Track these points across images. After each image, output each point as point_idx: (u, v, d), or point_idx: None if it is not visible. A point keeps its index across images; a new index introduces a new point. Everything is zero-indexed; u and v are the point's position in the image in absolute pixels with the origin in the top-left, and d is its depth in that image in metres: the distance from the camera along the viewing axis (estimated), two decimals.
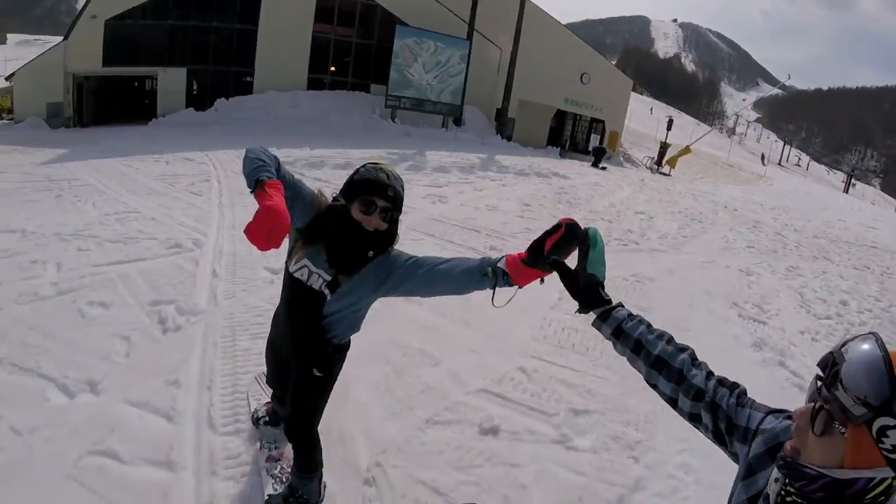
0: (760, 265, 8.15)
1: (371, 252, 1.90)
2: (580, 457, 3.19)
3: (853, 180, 61.12)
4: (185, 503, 2.47)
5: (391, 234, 1.96)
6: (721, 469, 2.92)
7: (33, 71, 19.40)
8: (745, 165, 34.17)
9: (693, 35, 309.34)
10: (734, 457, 1.25)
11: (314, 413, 2.27)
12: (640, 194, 13.33)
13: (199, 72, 20.55)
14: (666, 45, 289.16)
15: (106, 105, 20.79)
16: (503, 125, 22.85)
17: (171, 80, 19.91)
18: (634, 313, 1.50)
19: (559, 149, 24.07)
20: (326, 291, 1.95)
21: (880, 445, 0.86)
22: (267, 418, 2.83)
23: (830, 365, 0.92)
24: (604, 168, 19.16)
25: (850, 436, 0.90)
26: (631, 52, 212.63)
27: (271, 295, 4.52)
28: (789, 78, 47.44)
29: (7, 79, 21.72)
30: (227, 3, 20.08)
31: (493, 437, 3.23)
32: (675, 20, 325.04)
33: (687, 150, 24.76)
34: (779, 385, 4.52)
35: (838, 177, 70.57)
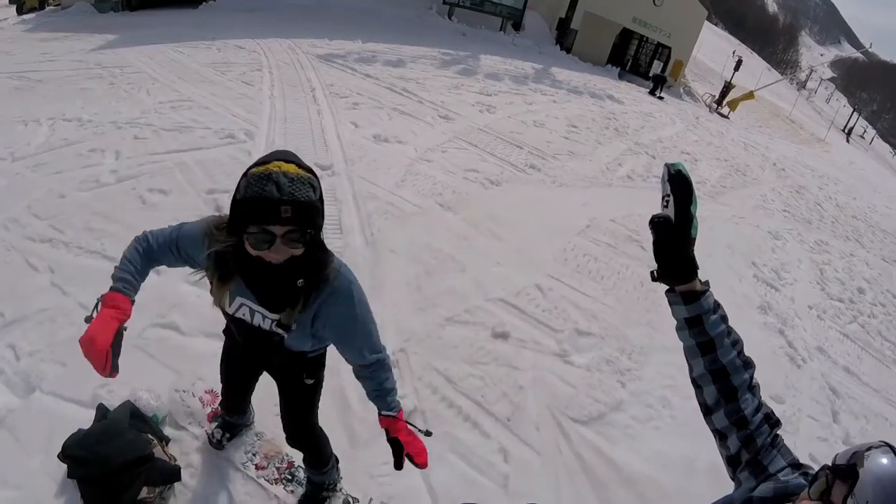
0: (791, 232, 8.18)
1: (300, 281, 1.48)
2: (574, 371, 3.65)
3: None
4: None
5: (315, 259, 1.48)
6: (698, 412, 3.36)
7: None
8: (806, 124, 32.56)
9: None
10: (735, 480, 1.24)
11: (313, 415, 2.10)
12: (690, 133, 13.06)
13: None
14: None
15: None
16: (564, 36, 21.92)
17: None
18: (718, 303, 1.29)
19: (619, 69, 23.15)
20: (280, 331, 1.59)
21: None
22: (228, 435, 2.51)
23: (846, 469, 0.91)
24: (661, 97, 18.55)
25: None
26: None
27: None
28: (871, 46, 43.87)
29: None
30: None
31: (502, 342, 3.68)
32: None
33: (751, 94, 23.60)
34: (771, 351, 4.82)
35: None
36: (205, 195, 4.53)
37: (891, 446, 0.91)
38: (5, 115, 6.01)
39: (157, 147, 5.34)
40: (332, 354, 1.86)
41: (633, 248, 5.60)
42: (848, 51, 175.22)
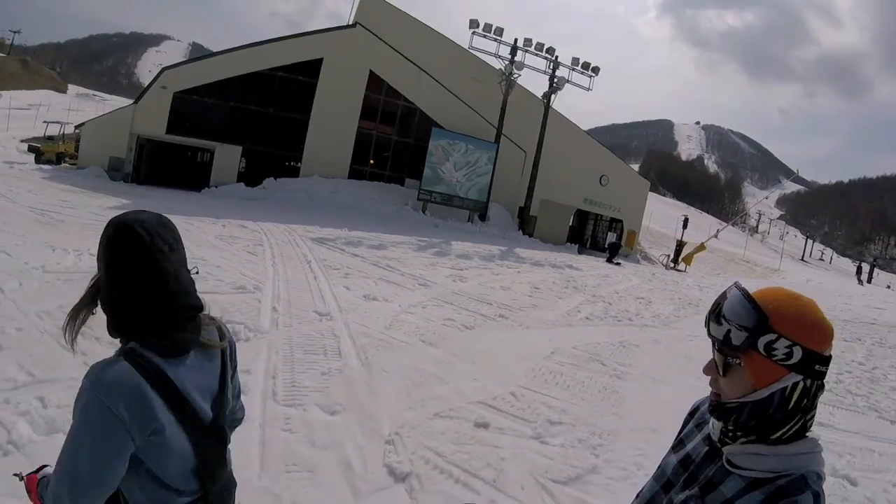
0: None
1: None
2: (550, 448, 4.17)
3: (877, 269, 60.58)
4: (253, 442, 3.48)
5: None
6: None
7: (101, 125, 21.61)
8: (760, 261, 35.00)
9: (716, 136, 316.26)
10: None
11: None
12: (646, 285, 14.32)
13: (252, 151, 22.85)
14: (689, 147, 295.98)
15: (161, 168, 22.89)
16: (525, 222, 24.49)
17: (226, 155, 22.19)
18: None
19: (578, 246, 25.44)
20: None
21: (774, 359, 0.98)
22: None
23: (714, 317, 1.05)
24: (618, 263, 20.24)
25: (745, 363, 1.02)
26: (655, 155, 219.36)
27: (320, 329, 5.75)
28: (798, 171, 48.85)
29: (77, 127, 24.07)
30: (283, 93, 22.71)
31: (483, 430, 4.24)
32: (697, 122, 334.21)
33: (702, 246, 25.88)
34: None
35: (863, 267, 70.20)
36: None
37: (734, 283, 1.10)
38: (34, 240, 7.09)
39: None
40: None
41: (594, 365, 6.37)
42: (789, 186, 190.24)
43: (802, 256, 61.51)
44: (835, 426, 5.70)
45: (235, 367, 1.46)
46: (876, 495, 4.42)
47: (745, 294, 1.05)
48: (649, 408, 5.35)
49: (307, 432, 3.72)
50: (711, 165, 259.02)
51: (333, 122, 22.88)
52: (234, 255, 8.60)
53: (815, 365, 0.99)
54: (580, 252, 23.46)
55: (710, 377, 1.12)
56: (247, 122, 22.62)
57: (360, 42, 23.00)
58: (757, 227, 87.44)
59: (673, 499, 1.16)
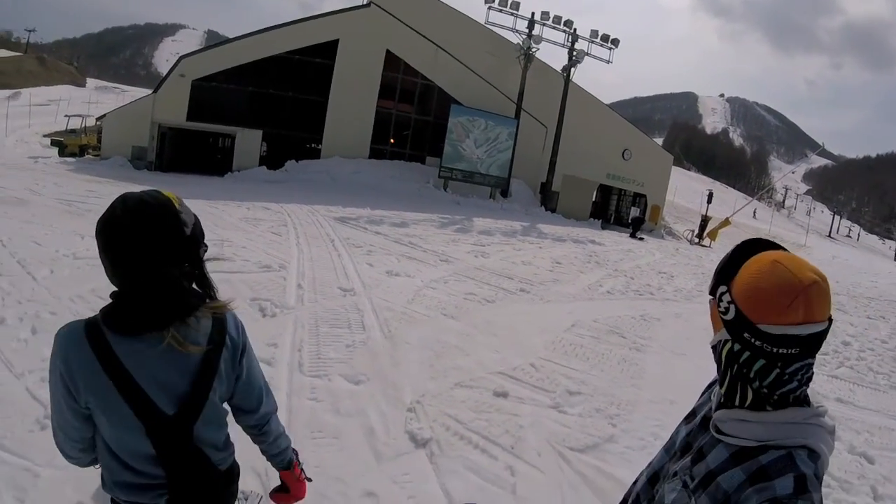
0: None
1: None
2: (568, 417, 4.26)
3: None
4: (280, 409, 3.65)
5: None
6: None
7: (122, 116, 21.99)
8: (786, 237, 34.44)
9: (741, 109, 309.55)
10: None
11: None
12: (669, 259, 14.25)
13: (273, 134, 23.09)
14: (714, 119, 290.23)
15: (183, 155, 23.31)
16: (548, 198, 24.35)
17: (247, 140, 22.44)
18: None
19: (601, 221, 25.26)
20: None
21: (719, 310, 1.00)
22: None
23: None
24: (641, 238, 20.07)
25: (711, 305, 1.05)
26: (679, 128, 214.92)
27: (343, 305, 5.89)
28: (824, 144, 47.87)
29: (98, 119, 24.63)
30: (301, 76, 22.81)
31: (503, 399, 4.35)
32: (721, 95, 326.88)
33: (727, 222, 25.49)
34: None
35: (891, 246, 68.70)
36: (249, 301, 5.51)
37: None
38: (62, 229, 7.36)
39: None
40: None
41: (614, 338, 6.42)
42: (816, 160, 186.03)
43: (829, 233, 60.26)
44: (854, 403, 5.69)
45: (241, 372, 1.43)
46: (892, 474, 4.42)
47: (741, 244, 1.06)
48: (668, 380, 5.39)
49: (332, 401, 3.87)
50: (737, 139, 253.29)
51: (352, 102, 22.92)
52: (259, 237, 8.78)
53: (743, 332, 0.95)
54: (603, 227, 23.32)
55: None
56: (266, 106, 22.77)
57: (375, 21, 22.89)
58: (783, 202, 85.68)
59: (670, 469, 1.15)
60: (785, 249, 1.03)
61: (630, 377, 5.33)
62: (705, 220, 25.88)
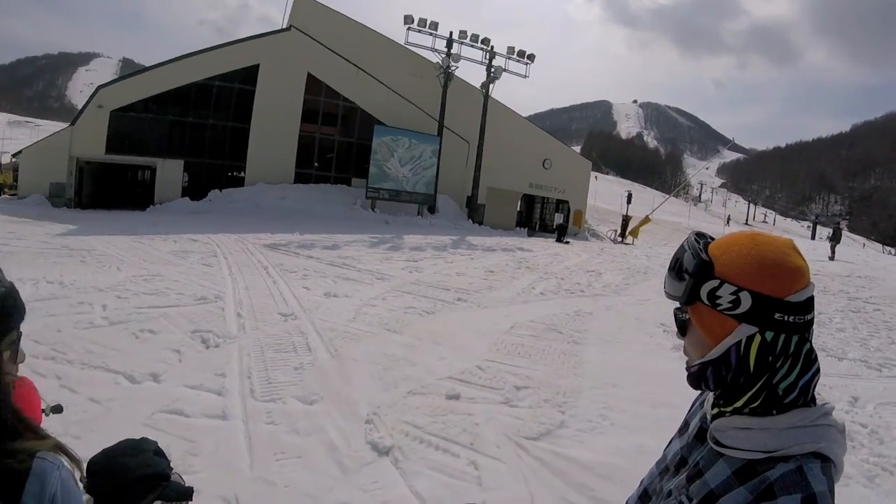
0: None
1: None
2: (520, 410, 4.45)
3: (819, 226, 64.83)
4: (239, 436, 3.62)
5: None
6: (635, 419, 4.26)
7: (39, 152, 20.81)
8: (705, 228, 36.25)
9: (654, 113, 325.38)
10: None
11: None
12: (595, 259, 14.91)
13: (195, 164, 22.34)
14: (629, 125, 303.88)
15: (104, 190, 22.18)
16: (474, 211, 24.86)
17: (168, 171, 21.59)
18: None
19: (527, 229, 26.03)
20: None
21: (719, 309, 0.86)
22: None
23: (669, 271, 0.94)
24: (567, 242, 20.83)
25: (693, 317, 0.90)
26: (595, 136, 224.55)
27: (286, 329, 5.86)
28: (734, 139, 51.41)
29: (14, 156, 23.12)
30: (222, 102, 22.32)
31: (455, 401, 4.48)
32: (635, 101, 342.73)
33: (647, 219, 26.86)
34: None
35: (807, 226, 74.92)
36: (190, 333, 5.38)
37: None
38: None
39: (140, 304, 6.24)
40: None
41: (552, 334, 6.74)
42: (728, 155, 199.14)
43: (746, 220, 64.55)
44: None
45: None
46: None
47: (695, 238, 0.93)
48: (607, 367, 5.72)
49: (289, 422, 3.86)
50: (651, 141, 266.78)
51: (275, 127, 22.63)
52: (191, 269, 8.54)
53: (772, 313, 0.83)
54: (530, 235, 23.99)
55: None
56: (187, 135, 22.13)
57: (295, 45, 22.82)
58: (700, 196, 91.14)
59: (664, 487, 1.04)
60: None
61: (571, 368, 5.61)
62: (626, 220, 27.16)
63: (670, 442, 1.13)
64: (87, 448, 2.97)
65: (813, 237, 51.37)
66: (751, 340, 0.85)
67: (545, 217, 30.25)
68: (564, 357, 5.91)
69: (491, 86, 25.20)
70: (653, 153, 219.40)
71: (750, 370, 0.86)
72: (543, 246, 18.08)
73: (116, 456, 1.16)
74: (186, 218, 15.86)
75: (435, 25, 23.84)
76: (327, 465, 3.41)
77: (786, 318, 0.83)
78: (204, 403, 3.97)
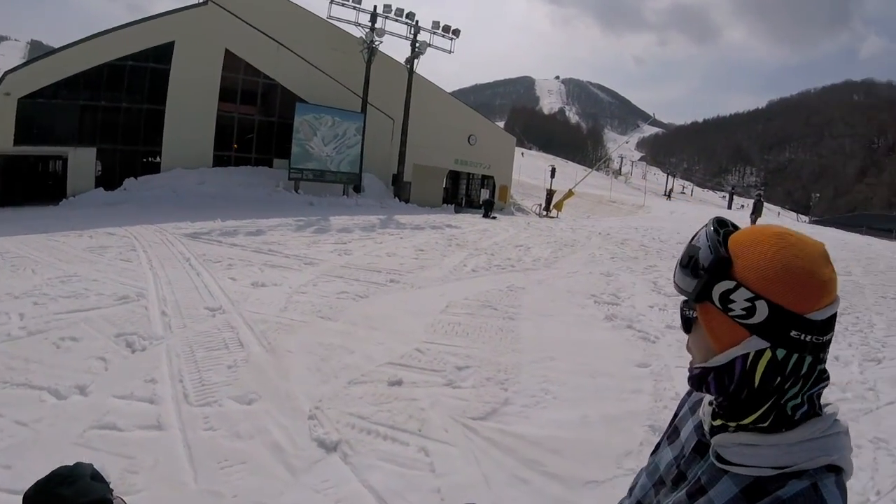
0: (620, 269, 10.05)
1: None
2: (463, 391, 4.46)
3: (735, 196, 69.30)
4: (178, 447, 3.42)
5: None
6: (575, 390, 4.33)
7: None
8: (626, 200, 37.96)
9: (576, 89, 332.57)
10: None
11: None
12: (523, 233, 15.13)
13: (108, 151, 20.59)
14: (551, 101, 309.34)
15: (13, 185, 19.95)
16: (400, 189, 24.62)
17: (80, 160, 19.77)
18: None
19: (454, 206, 26.11)
20: None
21: (730, 314, 0.77)
22: None
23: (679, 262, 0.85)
24: (494, 217, 21.06)
25: (700, 317, 0.83)
26: (518, 111, 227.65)
27: (215, 325, 5.56)
28: (654, 115, 53.87)
29: None
30: (136, 83, 20.54)
31: (398, 387, 4.43)
32: (557, 77, 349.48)
33: (570, 193, 27.58)
34: (625, 339, 6.14)
35: (722, 196, 79.94)
36: (114, 338, 4.98)
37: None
38: None
39: (59, 309, 5.71)
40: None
41: (487, 311, 6.80)
42: (647, 130, 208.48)
43: (665, 192, 67.53)
44: None
45: None
46: None
47: (715, 227, 0.83)
48: (543, 340, 5.83)
49: (229, 426, 3.67)
50: (573, 117, 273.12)
51: (191, 108, 21.14)
52: (109, 266, 7.92)
53: (789, 330, 0.74)
54: (457, 211, 24.09)
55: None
56: (99, 120, 20.22)
57: (213, 20, 21.27)
58: (620, 169, 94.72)
59: (661, 502, 0.96)
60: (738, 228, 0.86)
61: (509, 343, 5.69)
62: (550, 194, 27.74)
63: (658, 447, 1.05)
64: (20, 480, 2.71)
65: (729, 207, 55.25)
66: (760, 356, 0.76)
67: (471, 193, 30.43)
68: (501, 333, 5.97)
69: (416, 61, 24.78)
70: (575, 128, 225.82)
71: (754, 386, 0.78)
72: (471, 222, 18.17)
73: (51, 487, 1.11)
74: (102, 210, 14.72)
75: None
76: (274, 467, 3.28)
77: (803, 336, 0.74)
78: (137, 414, 3.71)
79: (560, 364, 5.19)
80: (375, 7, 23.64)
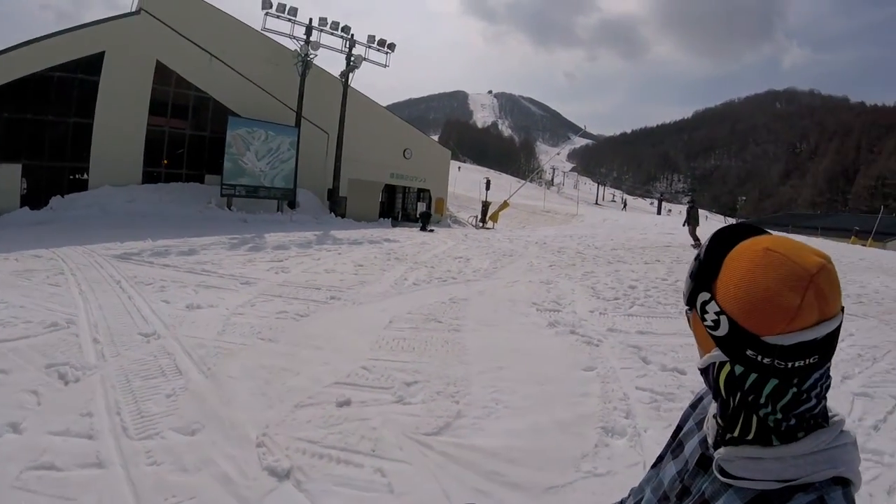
0: (559, 276, 10.32)
1: None
2: (414, 407, 4.40)
3: (664, 202, 72.76)
4: (121, 485, 3.16)
5: None
6: (526, 399, 4.36)
7: None
8: (560, 209, 38.99)
9: (508, 103, 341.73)
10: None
11: None
12: (461, 245, 15.26)
13: (34, 168, 19.10)
14: (484, 115, 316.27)
15: None
16: (336, 204, 24.30)
17: (4, 178, 18.23)
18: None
19: (391, 219, 26.03)
20: None
21: (704, 324, 0.80)
22: None
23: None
24: (431, 230, 21.14)
25: (690, 319, 0.86)
26: (452, 125, 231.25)
27: (150, 351, 5.23)
28: (585, 127, 56.24)
29: None
30: (63, 95, 19.22)
31: (347, 407, 4.31)
32: (490, 91, 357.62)
33: (505, 204, 28.08)
34: (569, 344, 6.27)
35: (650, 202, 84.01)
36: (45, 369, 4.57)
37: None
38: None
39: None
40: None
41: (432, 324, 6.79)
42: (578, 142, 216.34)
43: (596, 200, 70.10)
44: (654, 332, 6.89)
45: None
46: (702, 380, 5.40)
47: (719, 232, 0.84)
48: (490, 350, 5.87)
49: (174, 459, 3.45)
50: (506, 130, 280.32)
51: (121, 122, 20.02)
52: (36, 290, 7.33)
53: (745, 349, 0.75)
54: (394, 225, 24.02)
55: None
56: (24, 134, 18.81)
57: (145, 30, 20.32)
58: (552, 180, 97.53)
59: None
60: (768, 232, 0.84)
61: (456, 356, 5.69)
62: (486, 206, 28.17)
63: (660, 459, 1.05)
64: None
65: (658, 213, 58.44)
66: (721, 367, 0.79)
67: (408, 206, 30.42)
68: (448, 346, 5.96)
69: (351, 75, 24.63)
70: (508, 141, 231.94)
71: (722, 396, 0.81)
72: (409, 235, 18.16)
73: None
74: (27, 231, 13.65)
75: (294, 11, 22.63)
76: (226, 501, 3.11)
77: (759, 358, 0.74)
78: (75, 451, 3.43)
79: (508, 373, 5.23)
80: (311, 20, 23.42)
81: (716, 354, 0.79)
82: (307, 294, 8.13)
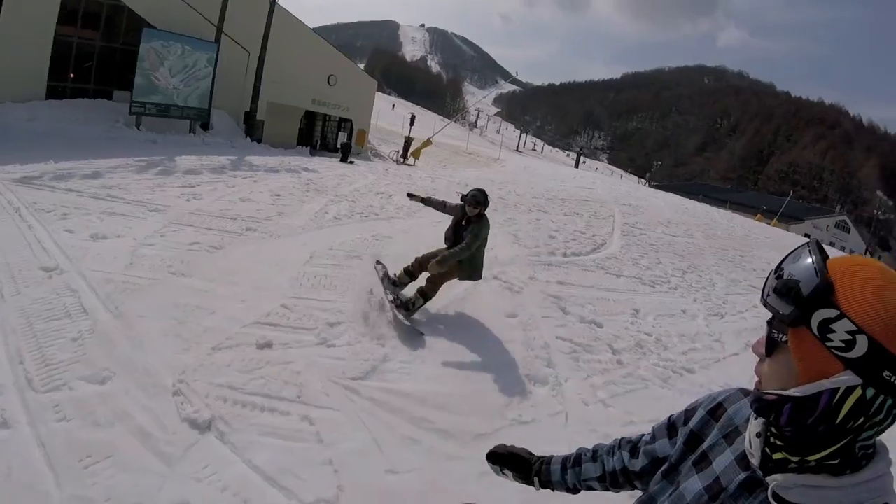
0: None
1: None
2: (338, 350, 4.35)
3: (583, 157, 74.63)
4: (31, 447, 2.88)
5: None
6: (454, 349, 4.35)
7: None
8: (482, 152, 38.97)
9: (440, 39, 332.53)
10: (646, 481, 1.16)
11: None
12: (382, 180, 14.96)
13: None
14: (414, 48, 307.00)
15: None
16: (252, 128, 22.94)
17: None
18: (555, 460, 1.37)
19: (310, 148, 25.02)
20: None
21: (828, 344, 0.73)
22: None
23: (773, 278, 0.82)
24: (351, 162, 20.54)
25: (791, 342, 0.78)
26: (380, 55, 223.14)
27: (53, 288, 4.73)
28: (517, 74, 55.80)
29: None
30: None
31: (269, 350, 4.18)
32: (422, 25, 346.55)
33: (428, 142, 27.64)
34: (492, 290, 6.36)
35: (567, 154, 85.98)
36: None
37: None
38: None
39: None
40: None
41: (355, 261, 6.66)
42: (506, 87, 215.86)
43: (517, 147, 70.48)
44: (572, 283, 7.09)
45: None
46: (618, 332, 5.67)
47: (816, 248, 0.79)
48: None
49: (85, 414, 3.17)
50: (435, 66, 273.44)
51: (25, 30, 17.31)
52: None
53: (883, 370, 0.71)
54: (313, 154, 23.05)
55: (756, 356, 0.87)
56: None
57: None
58: (476, 122, 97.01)
59: None
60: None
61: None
62: (409, 141, 27.60)
63: (684, 471, 1.00)
64: None
65: (577, 166, 60.13)
66: (850, 392, 0.73)
67: (328, 135, 29.31)
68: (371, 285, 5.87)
69: None
70: (436, 78, 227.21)
71: (835, 423, 0.75)
72: (328, 166, 17.53)
73: None
74: None
75: None
76: (146, 458, 2.92)
77: (894, 379, 0.71)
78: None
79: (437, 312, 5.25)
80: None
81: (843, 378, 0.73)
82: (221, 224, 7.69)
